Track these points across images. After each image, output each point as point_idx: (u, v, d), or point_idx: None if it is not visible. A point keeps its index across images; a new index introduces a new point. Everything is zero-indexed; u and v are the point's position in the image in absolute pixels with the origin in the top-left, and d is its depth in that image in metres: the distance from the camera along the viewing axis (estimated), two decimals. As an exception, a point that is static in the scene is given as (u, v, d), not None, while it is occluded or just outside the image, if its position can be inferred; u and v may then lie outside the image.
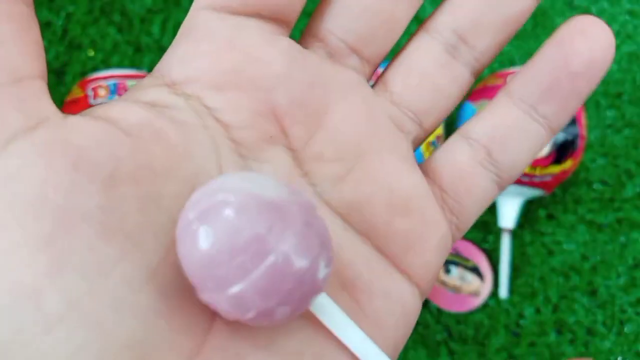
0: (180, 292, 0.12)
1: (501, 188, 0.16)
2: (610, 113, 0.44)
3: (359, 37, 0.15)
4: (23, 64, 0.12)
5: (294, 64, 0.14)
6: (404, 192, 0.15)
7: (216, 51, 0.14)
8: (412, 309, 0.15)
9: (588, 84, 0.15)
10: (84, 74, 0.44)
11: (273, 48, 0.14)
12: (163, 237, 0.12)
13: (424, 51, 0.16)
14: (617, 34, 0.46)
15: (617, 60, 0.45)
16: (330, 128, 0.15)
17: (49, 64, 0.44)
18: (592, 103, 0.45)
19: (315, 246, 0.12)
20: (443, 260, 0.16)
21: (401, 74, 0.16)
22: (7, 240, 0.11)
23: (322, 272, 0.12)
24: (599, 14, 0.46)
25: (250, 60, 0.14)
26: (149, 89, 0.14)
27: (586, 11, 0.46)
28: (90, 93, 0.37)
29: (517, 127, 0.16)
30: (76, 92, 0.38)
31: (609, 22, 0.46)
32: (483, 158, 0.16)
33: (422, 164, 0.17)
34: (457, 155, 0.16)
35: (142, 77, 0.38)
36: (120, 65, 0.44)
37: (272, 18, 0.14)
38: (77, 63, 0.44)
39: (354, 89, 0.15)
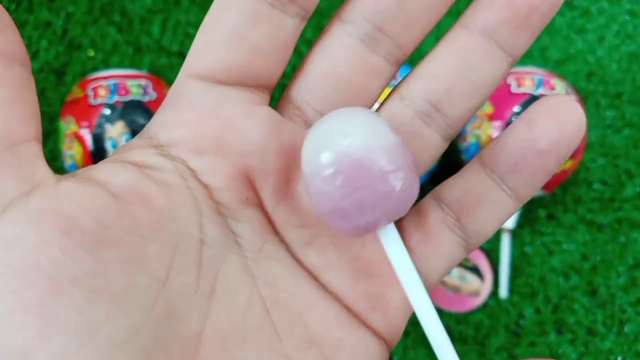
0: (160, 348, 0.13)
1: (468, 251, 0.17)
2: (610, 113, 0.44)
3: (333, 109, 0.16)
4: (18, 128, 0.13)
5: (269, 133, 0.15)
6: (368, 256, 0.16)
7: (198, 119, 0.15)
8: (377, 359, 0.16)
9: (555, 161, 0.16)
10: (84, 74, 0.44)
11: (251, 118, 0.15)
12: (146, 297, 0.13)
13: (397, 119, 0.16)
14: (617, 34, 0.46)
15: (617, 60, 0.45)
16: (296, 197, 0.16)
17: (49, 64, 0.44)
18: (592, 103, 0.45)
19: (408, 171, 0.14)
20: (407, 317, 0.17)
21: None
22: (0, 306, 0.12)
23: (401, 191, 0.14)
24: (599, 14, 0.46)
25: (228, 128, 0.15)
26: (138, 150, 0.15)
27: (586, 11, 0.46)
28: (90, 93, 0.37)
29: (486, 196, 0.16)
30: (76, 92, 0.38)
31: (609, 22, 0.46)
32: (452, 223, 0.17)
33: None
34: (427, 217, 0.17)
35: (142, 77, 0.38)
36: (120, 65, 0.44)
37: (254, 85, 0.15)
38: (77, 63, 0.44)
39: None
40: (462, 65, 0.16)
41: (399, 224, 0.17)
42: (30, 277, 0.12)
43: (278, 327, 0.15)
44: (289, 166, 0.16)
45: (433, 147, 0.17)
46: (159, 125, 0.15)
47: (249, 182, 0.15)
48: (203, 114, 0.15)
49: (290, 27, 0.15)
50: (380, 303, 0.16)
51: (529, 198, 0.16)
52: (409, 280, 0.15)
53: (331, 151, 0.14)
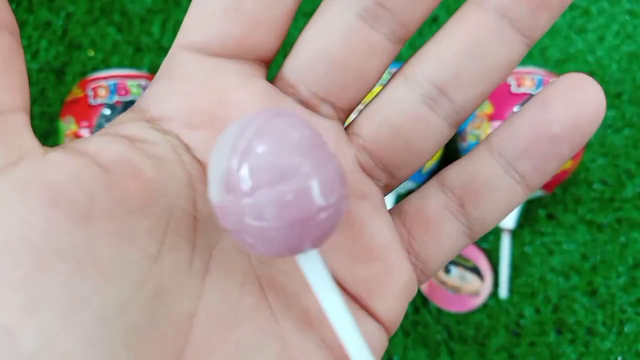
0: (150, 326, 0.12)
1: (472, 239, 0.16)
2: (610, 113, 0.44)
3: (329, 91, 0.15)
4: (5, 97, 0.12)
5: (264, 108, 0.14)
6: (368, 240, 0.15)
7: (191, 92, 0.14)
8: (377, 345, 0.15)
9: (570, 147, 0.14)
10: (84, 74, 0.44)
11: (246, 91, 0.15)
12: (136, 273, 0.12)
13: (400, 103, 0.15)
14: (617, 34, 0.46)
15: (617, 60, 0.45)
16: None
17: (49, 64, 0.44)
18: (592, 103, 0.45)
19: (336, 190, 0.12)
20: (407, 303, 0.16)
21: (374, 124, 0.16)
22: None
23: (328, 219, 0.12)
24: (599, 14, 0.46)
25: (223, 102, 0.14)
26: (130, 123, 0.14)
27: (586, 11, 0.46)
28: (90, 93, 0.37)
29: (493, 182, 0.15)
30: (76, 92, 0.38)
31: (609, 22, 0.46)
32: (455, 209, 0.16)
33: (395, 207, 0.17)
34: (429, 202, 0.16)
35: (142, 77, 0.38)
36: (120, 65, 0.44)
37: (250, 58, 0.15)
38: (77, 63, 0.44)
39: (324, 135, 0.15)
40: (472, 46, 0.15)
41: (400, 208, 0.16)
42: (15, 251, 0.11)
43: (274, 307, 0.14)
44: None
45: (438, 134, 0.15)
46: (151, 98, 0.15)
47: None
48: (196, 86, 0.14)
49: None
50: (380, 288, 0.15)
51: (539, 186, 0.15)
52: (336, 313, 0.13)
53: (243, 163, 0.11)
